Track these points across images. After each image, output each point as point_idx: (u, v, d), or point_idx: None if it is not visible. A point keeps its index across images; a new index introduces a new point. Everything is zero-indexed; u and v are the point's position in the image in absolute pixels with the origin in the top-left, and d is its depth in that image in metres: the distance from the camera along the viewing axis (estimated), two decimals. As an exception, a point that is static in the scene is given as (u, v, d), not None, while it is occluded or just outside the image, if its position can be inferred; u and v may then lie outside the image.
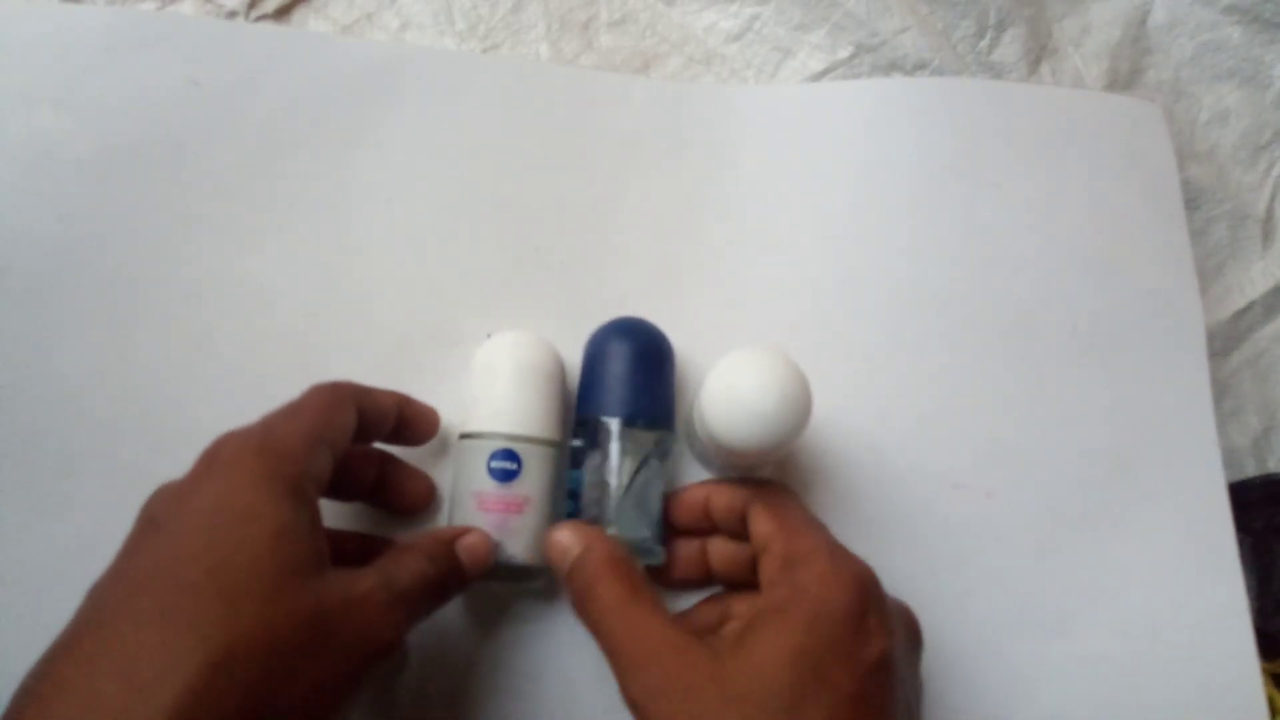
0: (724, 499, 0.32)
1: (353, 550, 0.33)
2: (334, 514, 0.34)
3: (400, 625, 0.27)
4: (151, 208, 0.38)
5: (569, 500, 0.34)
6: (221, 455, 0.26)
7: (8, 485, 0.34)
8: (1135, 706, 0.36)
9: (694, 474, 0.37)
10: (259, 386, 0.36)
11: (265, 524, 0.24)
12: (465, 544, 0.30)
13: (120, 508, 0.34)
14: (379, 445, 0.34)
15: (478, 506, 0.33)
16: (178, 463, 0.35)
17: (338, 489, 0.33)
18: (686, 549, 0.34)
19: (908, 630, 0.30)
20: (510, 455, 0.33)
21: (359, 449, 0.33)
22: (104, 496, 0.35)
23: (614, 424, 0.34)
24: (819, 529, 0.30)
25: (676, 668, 0.26)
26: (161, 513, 0.25)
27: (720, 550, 0.34)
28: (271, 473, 0.25)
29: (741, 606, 0.33)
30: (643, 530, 0.33)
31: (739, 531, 0.32)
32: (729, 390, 0.31)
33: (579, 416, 0.35)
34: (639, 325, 0.36)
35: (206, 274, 0.38)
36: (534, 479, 0.33)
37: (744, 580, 0.33)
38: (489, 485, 0.33)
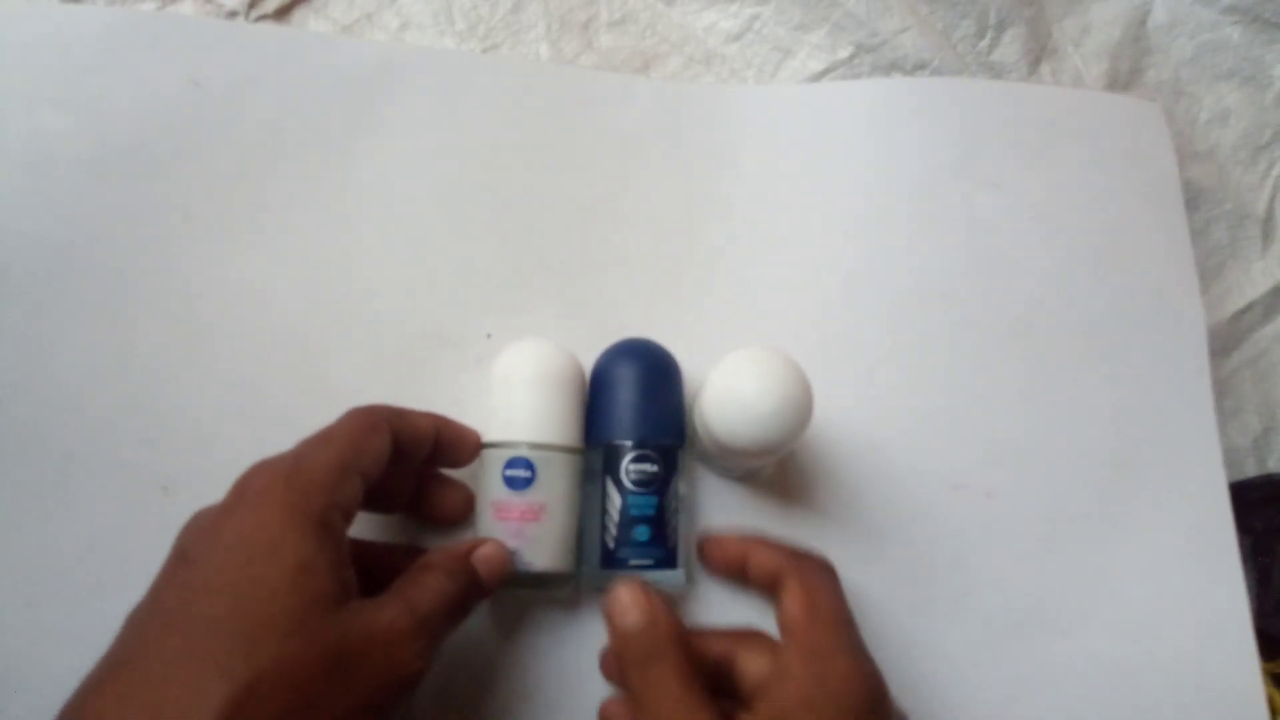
0: (763, 561, 0.32)
1: (397, 564, 0.33)
2: (374, 525, 0.34)
3: (426, 652, 0.27)
4: (151, 208, 0.38)
5: (642, 525, 0.33)
6: (251, 486, 0.27)
7: (8, 485, 0.34)
8: (1136, 706, 0.36)
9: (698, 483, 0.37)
10: (259, 386, 0.36)
11: (287, 559, 0.25)
12: (481, 555, 0.30)
13: (120, 508, 0.35)
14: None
15: (495, 515, 0.33)
16: (177, 463, 0.35)
17: (376, 502, 0.33)
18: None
19: None
20: (524, 463, 0.33)
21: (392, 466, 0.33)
22: (104, 496, 0.35)
23: (682, 452, 0.34)
24: (845, 626, 0.30)
25: None
26: (192, 546, 0.26)
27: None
28: (297, 505, 0.26)
29: (751, 668, 0.32)
30: (686, 558, 0.34)
31: (771, 592, 0.32)
32: (730, 391, 0.31)
33: (648, 441, 0.33)
34: (656, 346, 0.36)
35: (206, 274, 0.38)
36: (550, 485, 0.33)
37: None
38: (504, 494, 0.33)
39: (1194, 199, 0.47)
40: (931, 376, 0.40)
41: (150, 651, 0.23)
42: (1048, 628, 0.37)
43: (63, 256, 0.37)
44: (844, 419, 0.38)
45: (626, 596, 0.30)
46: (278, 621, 0.24)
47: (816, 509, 0.37)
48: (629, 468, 0.33)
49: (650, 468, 0.33)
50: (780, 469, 0.37)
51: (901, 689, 0.35)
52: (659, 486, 0.33)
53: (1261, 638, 0.37)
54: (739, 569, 0.34)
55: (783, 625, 0.30)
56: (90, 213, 0.38)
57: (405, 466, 0.32)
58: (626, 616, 0.30)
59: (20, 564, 0.34)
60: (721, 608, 0.35)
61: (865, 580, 0.36)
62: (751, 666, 0.31)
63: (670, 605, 0.30)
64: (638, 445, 0.33)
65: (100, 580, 0.33)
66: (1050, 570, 0.38)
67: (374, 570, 0.29)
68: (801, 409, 0.31)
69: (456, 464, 0.34)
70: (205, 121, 0.40)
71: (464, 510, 0.34)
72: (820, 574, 0.32)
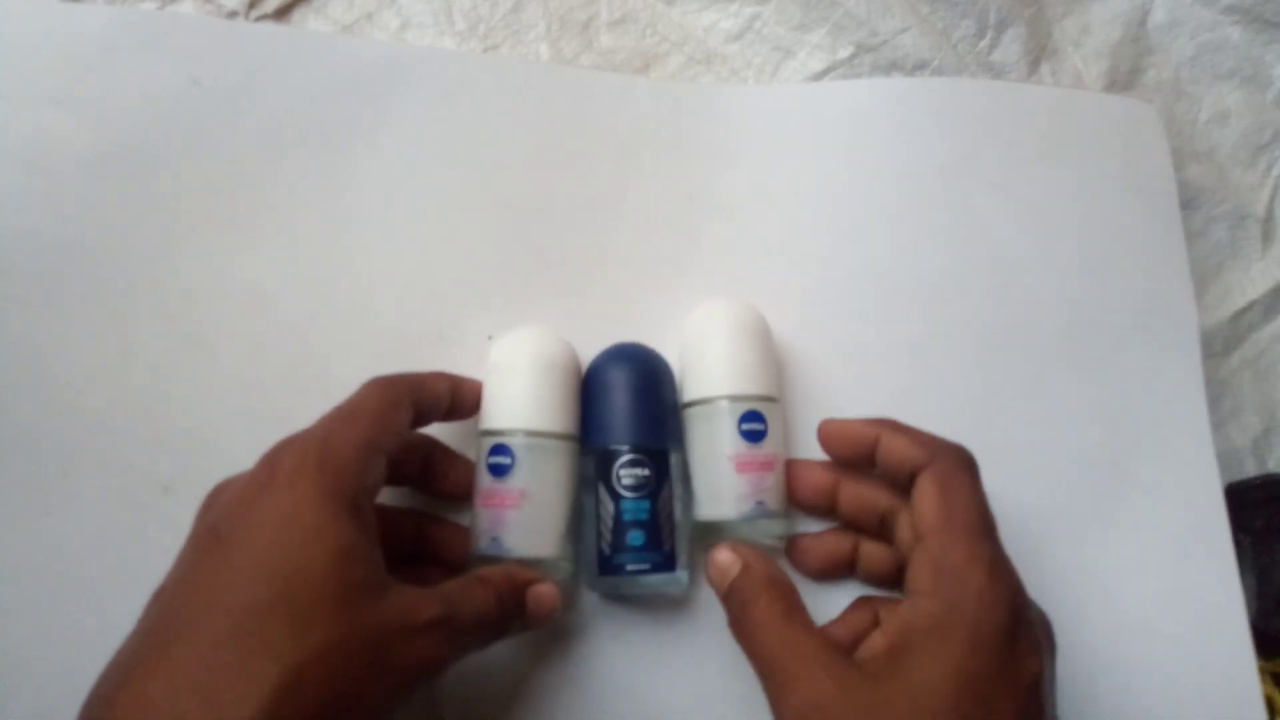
0: (896, 449, 0.31)
1: (409, 531, 0.34)
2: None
3: (452, 657, 0.27)
4: (151, 208, 0.38)
5: (636, 530, 0.33)
6: (282, 466, 0.26)
7: (8, 485, 0.34)
8: (1133, 706, 0.36)
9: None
10: (259, 387, 0.36)
11: (329, 544, 0.25)
12: (534, 592, 0.30)
13: (120, 508, 0.35)
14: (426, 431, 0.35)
15: (480, 503, 0.33)
16: (178, 463, 0.35)
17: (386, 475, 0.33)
18: (813, 477, 0.35)
19: (1049, 641, 0.29)
20: (503, 450, 0.33)
21: (409, 436, 0.34)
22: (104, 496, 0.35)
23: (675, 453, 0.34)
24: (982, 534, 0.28)
25: (831, 689, 0.25)
26: (224, 523, 0.26)
27: (853, 494, 0.34)
28: (332, 489, 0.26)
29: (889, 614, 0.32)
30: (686, 561, 0.34)
31: (903, 486, 0.31)
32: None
33: (638, 446, 0.34)
34: (648, 349, 0.36)
35: (206, 274, 0.38)
36: (530, 472, 0.33)
37: (872, 531, 0.33)
38: (486, 480, 0.33)
39: (1194, 199, 0.47)
40: (929, 376, 0.40)
41: (196, 632, 0.23)
42: (1047, 628, 0.37)
43: (63, 256, 0.37)
44: (841, 418, 0.38)
45: (720, 556, 0.31)
46: (324, 607, 0.24)
47: (816, 509, 0.37)
48: (620, 473, 0.33)
49: (642, 471, 0.33)
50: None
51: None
52: (651, 490, 0.33)
53: (1261, 637, 0.37)
54: (866, 456, 0.32)
55: (915, 528, 0.29)
56: (90, 213, 0.38)
57: (422, 427, 0.33)
58: (727, 574, 0.30)
59: (20, 564, 0.34)
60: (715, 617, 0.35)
61: (865, 580, 0.36)
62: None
63: (765, 554, 0.31)
64: (629, 450, 0.33)
65: (100, 580, 0.33)
66: (1046, 570, 0.38)
67: (395, 536, 0.29)
68: None
69: (465, 416, 0.34)
70: (205, 121, 0.40)
71: (469, 485, 0.34)
72: (959, 468, 0.29)
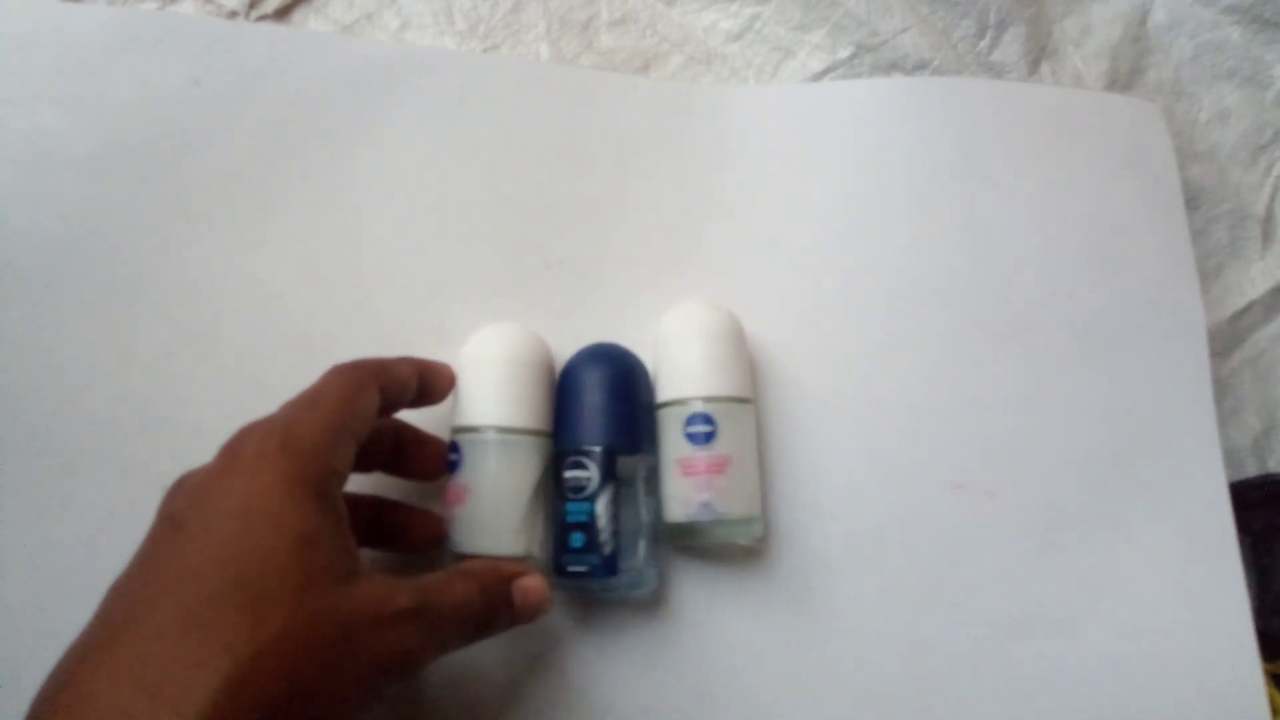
0: None
1: (367, 515, 0.33)
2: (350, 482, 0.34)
3: (429, 651, 0.26)
4: (152, 207, 0.38)
5: (577, 532, 0.32)
6: (244, 452, 0.26)
7: (8, 485, 0.34)
8: (1136, 707, 0.36)
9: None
10: (259, 385, 0.36)
11: (290, 531, 0.24)
12: (521, 585, 0.29)
13: (120, 508, 0.34)
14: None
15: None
16: (178, 462, 0.35)
17: (356, 461, 0.32)
18: None
19: None
20: (453, 446, 0.33)
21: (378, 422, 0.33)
22: (104, 496, 0.35)
23: (637, 459, 0.34)
24: None
25: None
26: (183, 512, 0.25)
27: None
28: (295, 474, 0.25)
29: None
30: (651, 563, 0.34)
31: None
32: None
33: (579, 447, 0.33)
34: (619, 351, 0.36)
35: (207, 273, 0.38)
36: (472, 468, 0.33)
37: None
38: (447, 477, 0.33)
39: (1194, 199, 0.47)
40: (932, 376, 0.40)
41: (145, 624, 0.22)
42: (1048, 627, 0.37)
43: (63, 256, 0.37)
44: (844, 418, 0.38)
45: None
46: (282, 596, 0.23)
47: (816, 509, 0.37)
48: (563, 475, 0.33)
49: (582, 474, 0.33)
50: (780, 468, 0.37)
51: (902, 689, 0.35)
52: (592, 492, 0.33)
53: (1261, 638, 0.37)
54: None
55: None
56: (91, 212, 0.38)
57: (390, 415, 0.32)
58: None
59: (20, 564, 0.34)
60: (701, 619, 0.35)
61: (865, 580, 0.36)
62: None
63: None
64: (571, 452, 0.33)
65: (100, 580, 0.33)
66: (1050, 569, 0.38)
67: (356, 523, 0.28)
68: None
69: (436, 401, 0.34)
70: (206, 121, 0.40)
71: (439, 466, 0.34)
72: None
